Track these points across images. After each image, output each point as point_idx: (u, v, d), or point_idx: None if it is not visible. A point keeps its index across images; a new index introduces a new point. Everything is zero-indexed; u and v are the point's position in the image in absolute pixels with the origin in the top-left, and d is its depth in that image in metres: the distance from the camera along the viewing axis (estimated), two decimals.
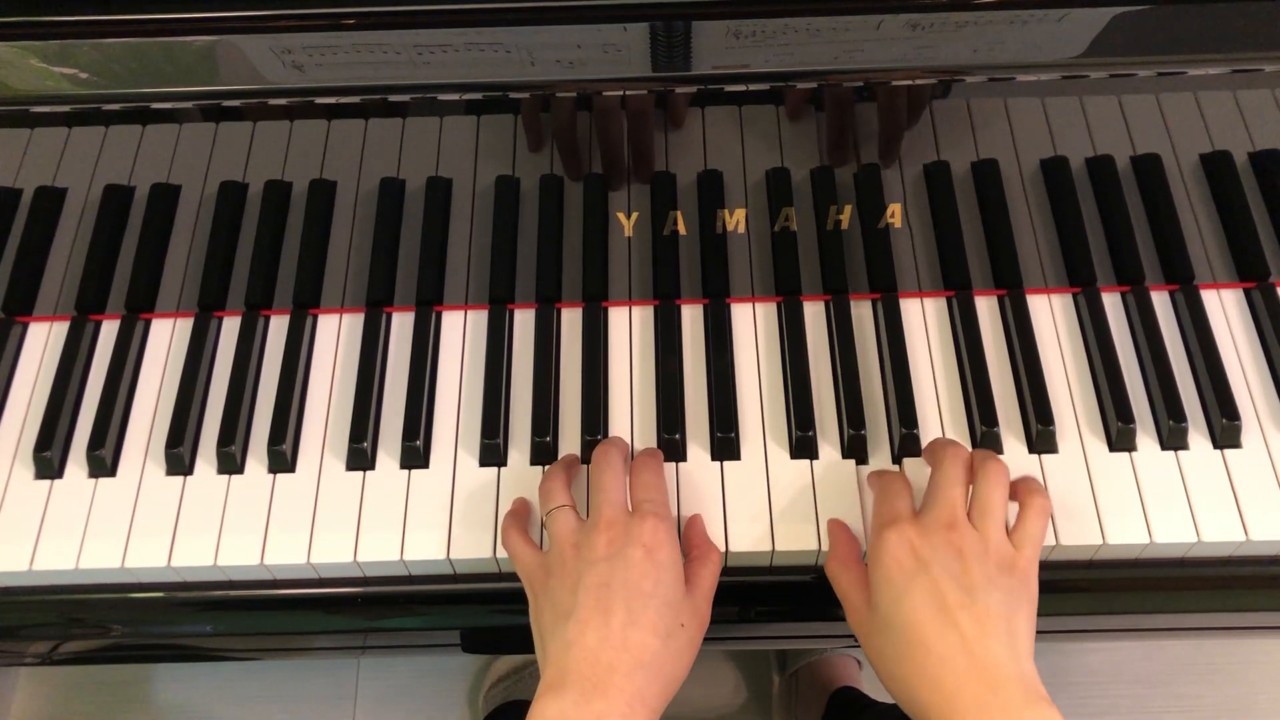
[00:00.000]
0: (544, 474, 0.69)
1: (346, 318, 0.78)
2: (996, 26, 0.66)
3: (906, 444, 0.70)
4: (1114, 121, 0.72)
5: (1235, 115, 0.71)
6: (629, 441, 0.72)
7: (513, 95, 0.67)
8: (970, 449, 0.71)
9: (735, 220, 0.75)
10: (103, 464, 0.71)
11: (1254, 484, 0.69)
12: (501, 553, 0.67)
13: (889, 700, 1.09)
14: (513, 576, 0.66)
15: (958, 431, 0.72)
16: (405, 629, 0.73)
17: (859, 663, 1.29)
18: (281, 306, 0.77)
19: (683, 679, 0.60)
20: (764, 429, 0.72)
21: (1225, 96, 0.70)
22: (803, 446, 0.71)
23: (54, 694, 1.37)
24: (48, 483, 0.72)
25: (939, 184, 0.74)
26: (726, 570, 0.69)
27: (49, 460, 0.71)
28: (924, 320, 0.76)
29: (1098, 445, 0.71)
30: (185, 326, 0.77)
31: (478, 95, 0.68)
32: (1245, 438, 0.71)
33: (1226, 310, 0.77)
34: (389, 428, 0.73)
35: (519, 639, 0.65)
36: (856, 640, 0.63)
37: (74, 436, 0.73)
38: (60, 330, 0.77)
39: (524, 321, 0.77)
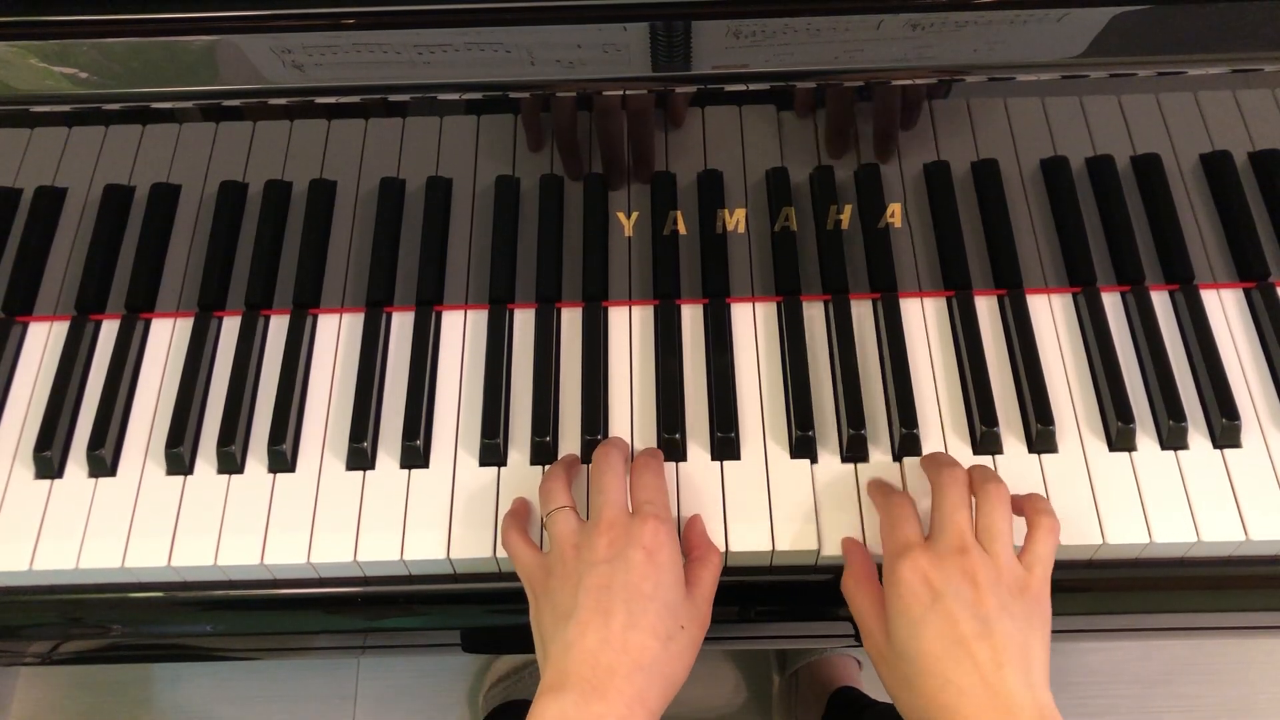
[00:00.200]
0: (544, 474, 0.69)
1: (346, 317, 0.78)
2: (996, 26, 0.66)
3: (906, 444, 0.70)
4: (1114, 121, 0.72)
5: (1235, 115, 0.71)
6: (629, 441, 0.72)
7: (513, 95, 0.68)
8: (966, 449, 0.71)
9: (735, 220, 0.75)
10: (103, 464, 0.71)
11: (1254, 484, 0.69)
12: (502, 552, 0.67)
13: (889, 700, 1.09)
14: (513, 576, 0.66)
15: (958, 431, 0.72)
16: (405, 629, 0.73)
17: (859, 663, 1.29)
18: (281, 306, 0.77)
19: (683, 681, 0.61)
20: (764, 429, 0.72)
21: (1225, 96, 0.70)
22: (803, 446, 0.71)
23: (54, 694, 1.37)
24: (48, 483, 0.72)
25: (939, 184, 0.74)
26: (727, 570, 0.69)
27: (49, 460, 0.71)
28: (924, 320, 0.76)
29: (1098, 445, 0.71)
30: (185, 326, 0.77)
31: (478, 95, 0.68)
32: (1245, 438, 0.71)
33: (1226, 310, 0.77)
34: (389, 427, 0.73)
35: (519, 639, 0.65)
36: (856, 640, 0.63)
37: (74, 436, 0.73)
38: (60, 330, 0.77)
39: (524, 321, 0.77)
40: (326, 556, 0.68)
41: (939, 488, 0.64)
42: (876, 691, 1.19)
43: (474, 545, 0.68)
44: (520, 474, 0.71)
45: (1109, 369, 0.72)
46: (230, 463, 0.71)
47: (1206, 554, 0.69)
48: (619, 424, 0.73)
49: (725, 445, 0.71)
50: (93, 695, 1.37)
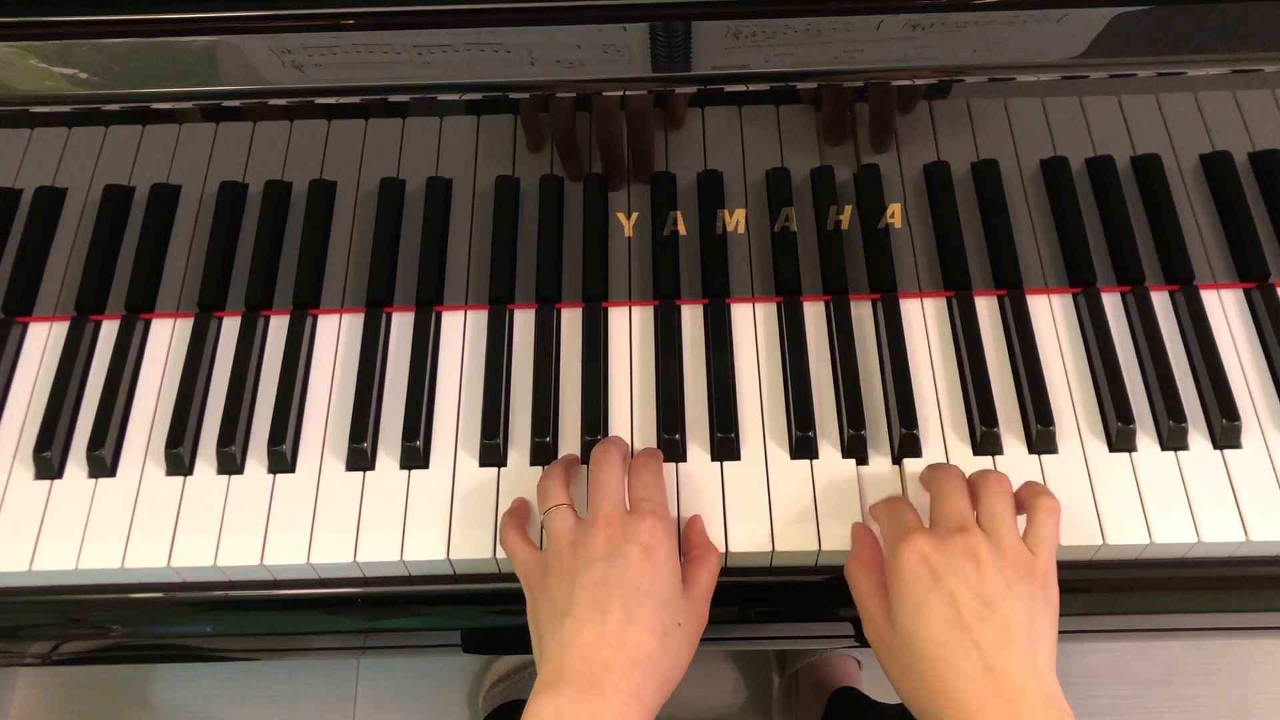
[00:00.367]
0: (543, 472, 0.69)
1: (346, 318, 0.78)
2: (996, 26, 0.66)
3: (906, 444, 0.70)
4: (1114, 121, 0.72)
5: (1235, 115, 0.71)
6: (629, 441, 0.72)
7: (513, 95, 0.67)
8: (965, 449, 0.71)
9: (735, 220, 0.75)
10: (102, 464, 0.71)
11: (1254, 484, 0.69)
12: (501, 553, 0.67)
13: (889, 700, 1.09)
14: (513, 577, 0.66)
15: (957, 431, 0.72)
16: (405, 629, 0.73)
17: (859, 663, 1.29)
18: (281, 306, 0.77)
19: (679, 678, 0.60)
20: (764, 429, 0.72)
21: (1225, 96, 0.70)
22: (803, 446, 0.71)
23: (54, 694, 1.37)
24: (47, 483, 0.72)
25: (939, 184, 0.74)
26: (727, 570, 0.69)
27: (49, 460, 0.71)
28: (924, 320, 0.76)
29: (1098, 445, 0.71)
30: (185, 326, 0.77)
31: (478, 95, 0.68)
32: (1245, 438, 0.71)
33: (1226, 310, 0.77)
34: (389, 428, 0.73)
35: (519, 639, 0.65)
36: (856, 640, 0.63)
37: (74, 437, 0.73)
38: (60, 330, 0.77)
39: (524, 321, 0.77)
40: (326, 557, 0.68)
41: (935, 482, 0.64)
42: (876, 692, 1.19)
43: (474, 546, 0.68)
44: (520, 474, 0.71)
45: (1109, 369, 0.72)
46: (230, 463, 0.71)
47: (1207, 554, 0.69)
48: (619, 424, 0.73)
49: (725, 446, 0.71)
50: (93, 695, 1.37)
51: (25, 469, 0.72)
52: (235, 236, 0.76)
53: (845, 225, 0.75)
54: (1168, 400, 0.71)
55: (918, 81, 0.66)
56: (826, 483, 0.70)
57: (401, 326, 0.77)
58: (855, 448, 0.71)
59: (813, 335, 0.76)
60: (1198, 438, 0.71)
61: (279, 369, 0.74)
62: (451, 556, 0.68)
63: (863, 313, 0.77)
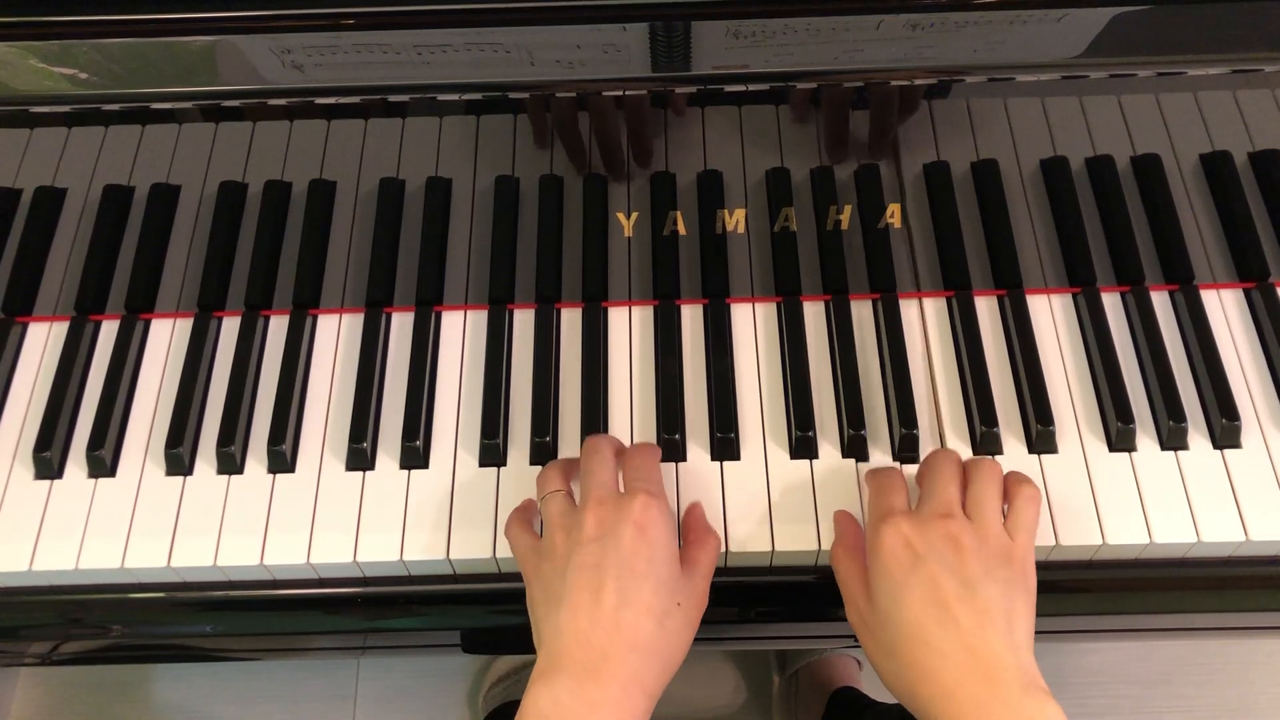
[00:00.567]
0: (544, 466, 0.69)
1: (346, 318, 0.78)
2: (996, 26, 0.66)
3: (906, 444, 0.70)
4: (1114, 121, 0.72)
5: (1235, 115, 0.71)
6: (629, 441, 0.72)
7: (513, 95, 0.67)
8: (965, 449, 0.71)
9: (735, 220, 0.75)
10: (102, 464, 0.71)
11: (1254, 484, 0.69)
12: (501, 553, 0.67)
13: (889, 700, 1.09)
14: (512, 577, 0.66)
15: (957, 431, 0.72)
16: (405, 629, 0.73)
17: (859, 663, 1.29)
18: (281, 306, 0.77)
19: (681, 660, 0.60)
20: (764, 429, 0.72)
21: (1225, 96, 0.70)
22: (803, 446, 0.71)
23: (54, 694, 1.37)
24: (47, 483, 0.72)
25: (939, 184, 0.74)
26: (726, 570, 0.69)
27: (49, 460, 0.71)
28: (924, 320, 0.76)
29: (1098, 445, 0.71)
30: (185, 326, 0.77)
31: (478, 95, 0.68)
32: (1245, 438, 0.71)
33: (1226, 310, 0.77)
34: (389, 428, 0.73)
35: (519, 639, 0.65)
36: (856, 640, 0.63)
37: (74, 437, 0.73)
38: (60, 330, 0.77)
39: (524, 321, 0.77)
40: (326, 557, 0.68)
41: (931, 465, 0.64)
42: (876, 691, 1.19)
43: (474, 546, 0.68)
44: (520, 474, 0.71)
45: (1109, 369, 0.72)
46: (230, 463, 0.71)
47: (1206, 554, 0.69)
48: (619, 424, 0.73)
49: (725, 446, 0.71)
50: (93, 695, 1.37)
51: (25, 469, 0.72)
52: (235, 236, 0.76)
53: (845, 225, 0.75)
54: (1168, 400, 0.71)
55: (918, 81, 0.66)
56: (827, 482, 0.70)
57: (401, 326, 0.77)
58: (855, 447, 0.71)
59: (813, 335, 0.76)
60: (1198, 437, 0.71)
61: (279, 369, 0.74)
62: (451, 556, 0.68)
63: (863, 312, 0.77)
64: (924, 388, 0.74)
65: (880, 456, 0.71)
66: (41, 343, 0.77)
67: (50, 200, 0.75)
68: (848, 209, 0.74)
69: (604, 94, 0.67)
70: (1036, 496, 0.63)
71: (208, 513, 0.70)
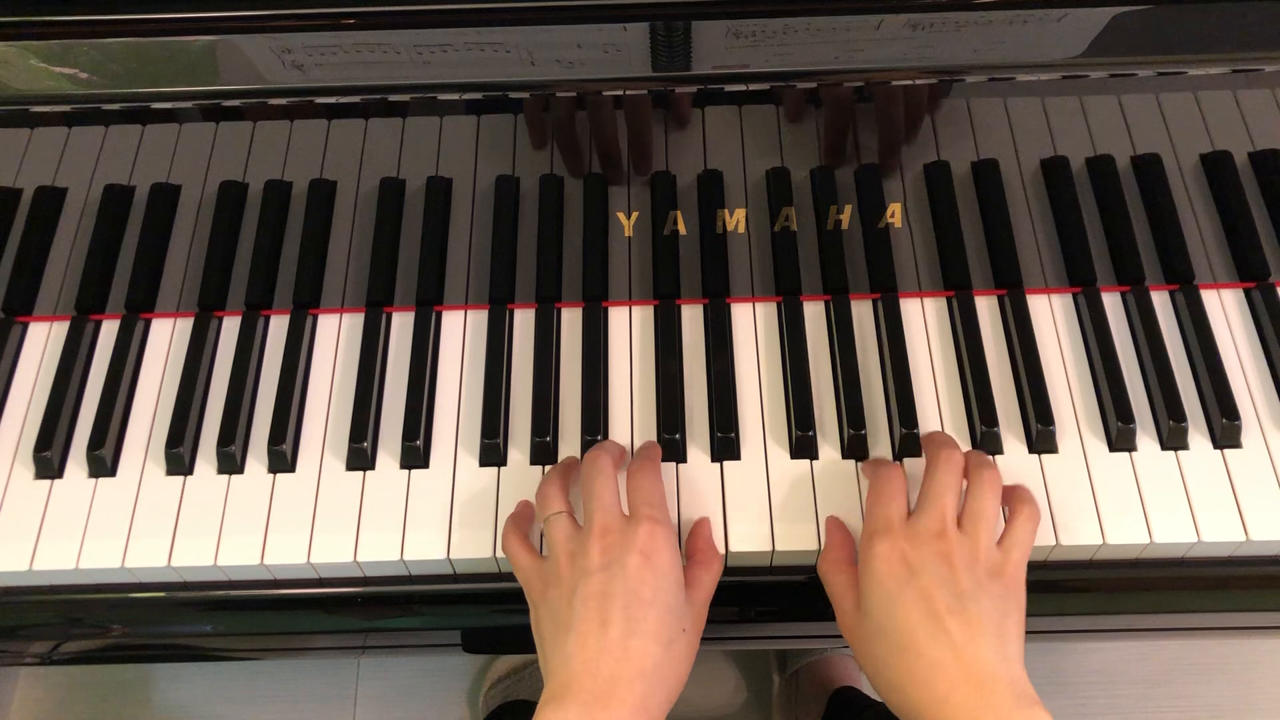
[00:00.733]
0: (542, 478, 0.69)
1: (346, 318, 0.78)
2: (996, 26, 0.66)
3: (906, 444, 0.70)
4: (1114, 121, 0.72)
5: (1235, 115, 0.71)
6: (629, 441, 0.72)
7: (513, 95, 0.67)
8: (966, 447, 0.71)
9: (735, 220, 0.75)
10: (103, 464, 0.71)
11: (1254, 484, 0.69)
12: (501, 553, 0.67)
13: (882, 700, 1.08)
14: (513, 577, 0.66)
15: (958, 431, 0.72)
16: (405, 629, 0.73)
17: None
18: (281, 306, 0.77)
19: (683, 684, 0.60)
20: (764, 429, 0.72)
21: (1225, 96, 0.70)
22: (803, 446, 0.71)
23: (54, 694, 1.37)
24: (48, 483, 0.72)
25: (939, 184, 0.74)
26: (726, 570, 0.69)
27: (49, 460, 0.71)
28: (924, 320, 0.77)
29: (1098, 445, 0.71)
30: (185, 326, 0.77)
31: (478, 95, 0.68)
32: (1245, 438, 0.71)
33: (1226, 310, 0.77)
34: (389, 428, 0.73)
35: (519, 639, 0.65)
36: None
37: (74, 436, 0.73)
38: (60, 330, 0.77)
39: (524, 321, 0.77)
40: (326, 557, 0.68)
41: (933, 467, 0.64)
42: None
43: (474, 545, 0.68)
44: (520, 474, 0.71)
45: (1109, 369, 0.72)
46: (230, 463, 0.71)
47: (1206, 554, 0.69)
48: (619, 424, 0.73)
49: (725, 445, 0.71)
50: (93, 695, 1.37)
51: (25, 469, 0.72)
52: (235, 236, 0.76)
53: (845, 225, 0.75)
54: (1168, 400, 0.71)
55: (918, 81, 0.66)
56: (827, 482, 0.70)
57: (402, 326, 0.77)
58: (855, 447, 0.71)
59: (813, 335, 0.76)
60: (1198, 437, 0.71)
61: (279, 369, 0.74)
62: (452, 556, 0.68)
63: (863, 312, 0.77)
64: (924, 387, 0.74)
65: (880, 457, 0.71)
66: (42, 342, 0.77)
67: (50, 200, 0.75)
68: (848, 209, 0.74)
69: (604, 94, 0.67)
70: (1036, 517, 0.64)
71: (208, 512, 0.70)
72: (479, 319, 0.77)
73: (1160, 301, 0.77)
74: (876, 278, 0.76)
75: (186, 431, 0.72)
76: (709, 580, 0.64)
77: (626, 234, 0.76)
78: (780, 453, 0.71)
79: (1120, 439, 0.70)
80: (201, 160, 0.73)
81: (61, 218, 0.75)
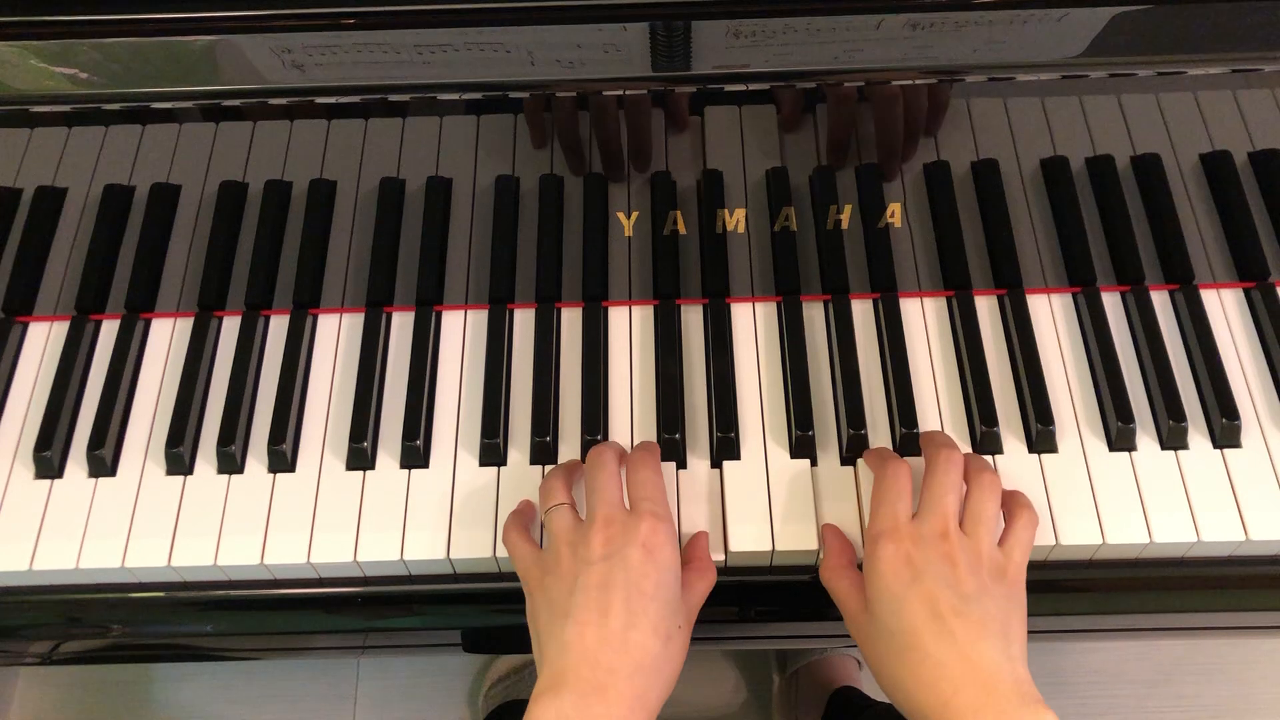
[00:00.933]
0: (545, 474, 0.69)
1: (346, 317, 0.78)
2: (996, 26, 0.66)
3: (906, 444, 0.70)
4: (1114, 121, 0.72)
5: (1235, 115, 0.71)
6: (629, 441, 0.72)
7: (513, 95, 0.68)
8: (965, 449, 0.71)
9: (735, 220, 0.75)
10: (103, 464, 0.71)
11: (1254, 484, 0.69)
12: (501, 552, 0.67)
13: (889, 700, 1.08)
14: (513, 576, 0.66)
15: (958, 431, 0.72)
16: (405, 629, 0.73)
17: (859, 663, 1.29)
18: (281, 306, 0.77)
19: (676, 680, 0.60)
20: (764, 429, 0.72)
21: (1225, 96, 0.70)
22: (803, 446, 0.71)
23: (54, 694, 1.37)
24: (48, 482, 0.72)
25: (939, 184, 0.74)
26: (726, 570, 0.69)
27: (49, 460, 0.71)
28: (924, 320, 0.77)
29: (1098, 445, 0.71)
30: (185, 326, 0.77)
31: (478, 95, 0.68)
32: (1245, 438, 0.71)
33: (1226, 310, 0.77)
34: (389, 427, 0.73)
35: (519, 639, 0.65)
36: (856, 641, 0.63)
37: (74, 436, 0.73)
38: (60, 330, 0.77)
39: (524, 321, 0.77)
40: (326, 556, 0.68)
41: (933, 468, 0.64)
42: (876, 691, 1.19)
43: (474, 545, 0.68)
44: (520, 474, 0.71)
45: (1109, 369, 0.72)
46: (230, 463, 0.71)
47: (1206, 554, 0.69)
48: (619, 424, 0.73)
49: (725, 445, 0.71)
50: (93, 695, 1.37)
51: (25, 468, 0.72)
52: (235, 236, 0.76)
53: (845, 225, 0.75)
54: (1168, 400, 0.71)
55: (918, 81, 0.66)
56: (827, 482, 0.70)
57: (401, 326, 0.77)
58: (855, 447, 0.71)
59: (813, 335, 0.76)
60: (1198, 437, 0.71)
61: (279, 368, 0.74)
62: (452, 556, 0.68)
63: (863, 312, 0.77)
64: (924, 387, 0.74)
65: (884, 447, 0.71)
66: (42, 342, 0.77)
67: (50, 200, 0.75)
68: (848, 208, 0.74)
69: (604, 94, 0.67)
70: (1035, 521, 0.65)
71: (208, 512, 0.70)
72: (479, 319, 0.77)
73: (1160, 301, 0.77)
74: (876, 278, 0.76)
75: (186, 431, 0.72)
76: (703, 587, 0.64)
77: (626, 234, 0.76)
78: (780, 452, 0.71)
79: (1120, 439, 0.70)
80: (201, 160, 0.73)
81: (61, 218, 0.75)
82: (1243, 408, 0.72)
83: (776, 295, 0.77)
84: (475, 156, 0.73)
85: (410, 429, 0.71)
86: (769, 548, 0.68)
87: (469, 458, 0.72)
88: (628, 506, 0.64)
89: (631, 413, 0.73)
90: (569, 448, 0.72)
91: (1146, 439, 0.71)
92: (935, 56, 0.65)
